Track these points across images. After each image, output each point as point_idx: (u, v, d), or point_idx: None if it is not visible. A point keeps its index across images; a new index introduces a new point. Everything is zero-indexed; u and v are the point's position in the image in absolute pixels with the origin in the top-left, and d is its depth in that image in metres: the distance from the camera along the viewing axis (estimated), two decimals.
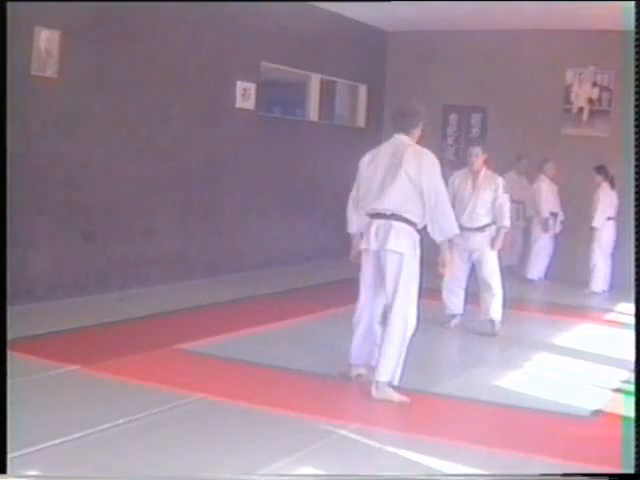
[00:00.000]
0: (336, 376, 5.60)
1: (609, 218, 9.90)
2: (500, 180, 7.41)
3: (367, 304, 5.41)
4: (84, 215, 7.82)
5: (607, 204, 9.85)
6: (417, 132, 5.37)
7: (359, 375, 5.54)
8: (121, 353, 5.89)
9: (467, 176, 7.45)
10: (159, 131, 8.59)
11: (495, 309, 7.36)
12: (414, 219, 5.17)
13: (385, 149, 5.35)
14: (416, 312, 5.24)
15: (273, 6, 9.73)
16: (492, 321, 7.37)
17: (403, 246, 5.14)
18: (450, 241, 5.55)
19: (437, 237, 5.24)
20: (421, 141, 5.37)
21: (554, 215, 10.51)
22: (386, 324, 5.23)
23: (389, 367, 5.13)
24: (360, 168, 5.45)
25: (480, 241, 7.38)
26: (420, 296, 5.31)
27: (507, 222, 7.36)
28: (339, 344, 6.63)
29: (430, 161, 5.19)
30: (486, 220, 7.36)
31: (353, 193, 5.54)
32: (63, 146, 7.53)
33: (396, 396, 5.13)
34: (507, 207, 7.37)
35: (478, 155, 7.33)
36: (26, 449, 3.91)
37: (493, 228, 7.39)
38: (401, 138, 5.30)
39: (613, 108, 10.84)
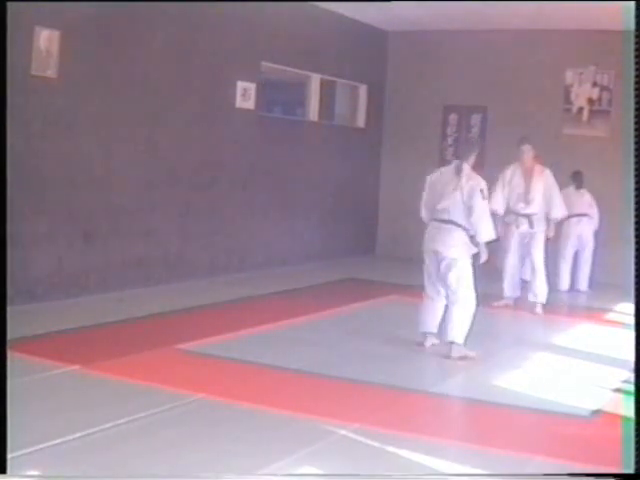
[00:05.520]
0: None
1: (570, 216, 9.62)
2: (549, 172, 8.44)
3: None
4: (84, 215, 7.82)
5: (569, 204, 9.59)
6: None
7: (433, 344, 6.54)
8: (121, 353, 5.89)
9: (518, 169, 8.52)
10: (159, 131, 8.58)
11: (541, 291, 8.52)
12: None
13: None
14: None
15: (273, 6, 9.73)
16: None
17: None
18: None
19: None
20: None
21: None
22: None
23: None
24: None
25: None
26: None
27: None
28: (339, 344, 6.67)
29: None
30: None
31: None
32: (63, 146, 7.54)
33: (470, 353, 6.25)
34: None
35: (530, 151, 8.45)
36: (26, 449, 3.91)
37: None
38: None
39: (613, 108, 10.84)
